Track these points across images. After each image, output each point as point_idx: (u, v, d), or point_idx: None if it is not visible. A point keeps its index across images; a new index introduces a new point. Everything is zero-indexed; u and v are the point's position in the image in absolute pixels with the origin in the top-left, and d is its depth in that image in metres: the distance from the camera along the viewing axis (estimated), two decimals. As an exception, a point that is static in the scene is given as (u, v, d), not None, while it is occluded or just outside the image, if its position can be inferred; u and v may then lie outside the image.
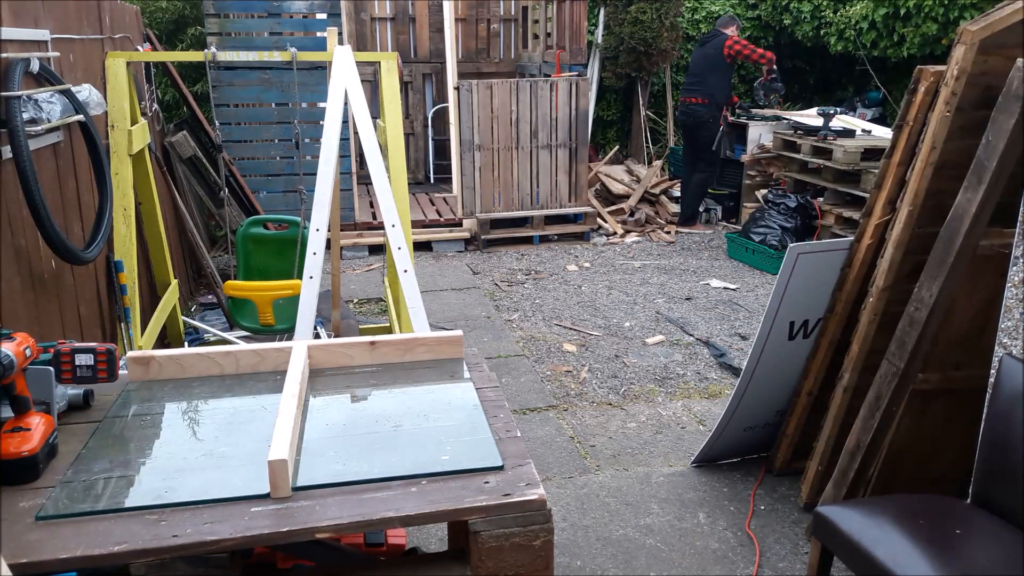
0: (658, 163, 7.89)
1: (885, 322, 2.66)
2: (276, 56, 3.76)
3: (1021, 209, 2.20)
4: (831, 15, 7.59)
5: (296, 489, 1.46)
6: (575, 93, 6.86)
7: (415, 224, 6.56)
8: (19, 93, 2.56)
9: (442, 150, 8.84)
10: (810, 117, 6.85)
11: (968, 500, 2.16)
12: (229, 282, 3.88)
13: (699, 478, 3.21)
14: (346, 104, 3.20)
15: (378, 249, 6.49)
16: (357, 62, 3.33)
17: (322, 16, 6.20)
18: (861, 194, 5.75)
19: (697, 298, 5.47)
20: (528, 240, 6.94)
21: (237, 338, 4.20)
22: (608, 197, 7.81)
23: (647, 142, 8.74)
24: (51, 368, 1.65)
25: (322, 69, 5.62)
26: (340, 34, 5.90)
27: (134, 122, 3.66)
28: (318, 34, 6.20)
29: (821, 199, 6.27)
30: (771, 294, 2.86)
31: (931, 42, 6.60)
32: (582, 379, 4.18)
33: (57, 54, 3.09)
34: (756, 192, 7.01)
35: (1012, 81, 2.23)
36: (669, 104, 8.83)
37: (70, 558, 1.29)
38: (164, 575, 1.67)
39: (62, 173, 3.12)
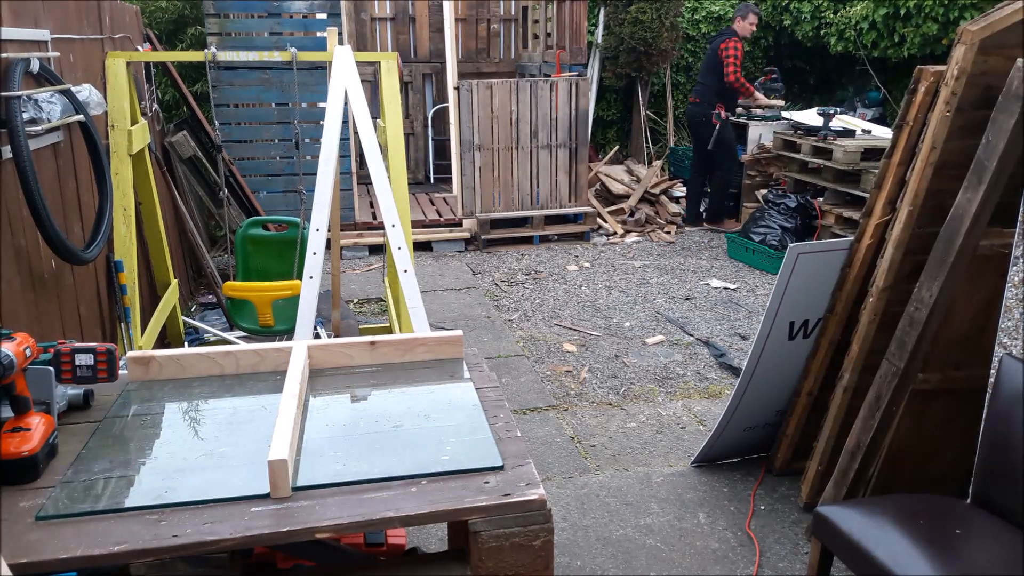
0: (658, 163, 7.90)
1: (885, 322, 2.66)
2: (276, 56, 3.76)
3: (1021, 209, 2.20)
4: (831, 15, 7.59)
5: (296, 489, 1.46)
6: (575, 93, 6.86)
7: (415, 224, 6.56)
8: (19, 93, 2.56)
9: (442, 150, 8.84)
10: (810, 117, 6.85)
11: (968, 500, 2.16)
12: (228, 283, 3.88)
13: (699, 478, 3.21)
14: (346, 104, 3.20)
15: (378, 249, 6.49)
16: (357, 62, 3.33)
17: (322, 16, 6.20)
18: (861, 194, 5.74)
19: (697, 298, 5.47)
20: (528, 240, 6.94)
21: (237, 338, 4.20)
22: (608, 197, 7.81)
23: (647, 142, 8.74)
24: (51, 368, 1.65)
25: (322, 69, 5.62)
26: (340, 34, 5.90)
27: (134, 122, 3.66)
28: (318, 34, 6.20)
29: (821, 199, 6.27)
30: (771, 294, 2.86)
31: (931, 42, 6.60)
32: (582, 379, 4.18)
33: (57, 54, 3.09)
34: (756, 192, 7.01)
35: (1012, 81, 2.23)
36: (669, 104, 8.83)
37: (70, 558, 1.29)
38: (164, 575, 1.67)
39: (62, 173, 3.12)
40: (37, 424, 1.53)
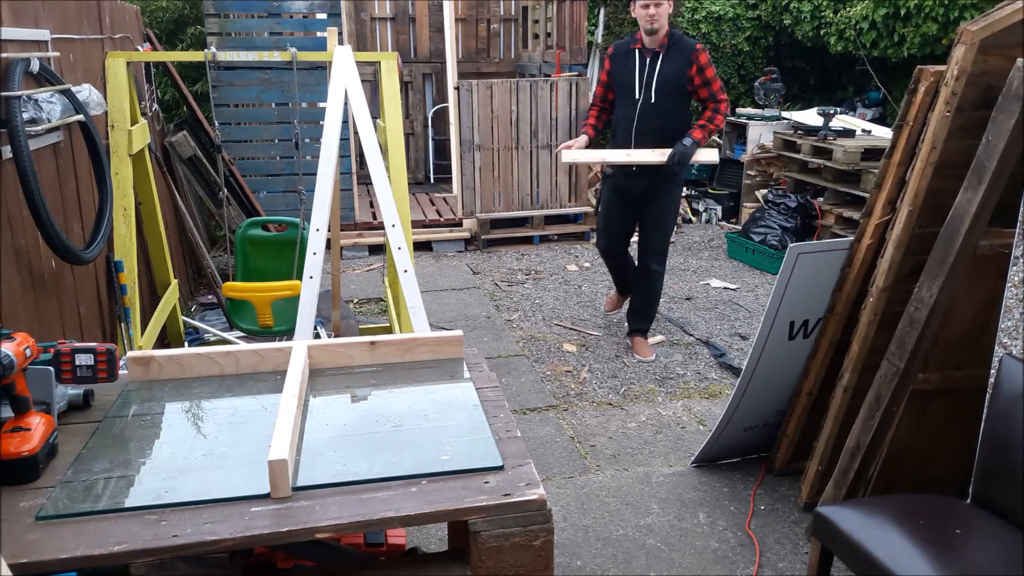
0: (658, 163, 7.88)
1: (885, 322, 2.66)
2: (276, 56, 3.76)
3: (1021, 209, 2.20)
4: (831, 15, 7.58)
5: (296, 489, 1.46)
6: (575, 93, 6.86)
7: (415, 224, 6.56)
8: (19, 93, 2.56)
9: (442, 150, 8.83)
10: (810, 117, 6.85)
11: (968, 500, 2.16)
12: (227, 283, 3.88)
13: (699, 478, 3.21)
14: (346, 104, 3.20)
15: (378, 249, 6.49)
16: (357, 62, 3.33)
17: (322, 16, 6.20)
18: (861, 194, 5.75)
19: (697, 298, 5.47)
20: (528, 240, 6.94)
21: (237, 338, 4.20)
22: (608, 197, 7.80)
23: (647, 142, 8.72)
24: (51, 368, 1.65)
25: (322, 69, 5.62)
26: (340, 34, 5.90)
27: (134, 122, 3.66)
28: (318, 34, 6.20)
29: (821, 199, 6.27)
30: (771, 294, 2.86)
31: (931, 42, 6.59)
32: (582, 379, 4.18)
33: (57, 54, 3.09)
34: (756, 192, 7.02)
35: (1012, 81, 2.23)
36: (669, 104, 8.80)
37: (70, 558, 1.29)
38: (164, 575, 1.67)
39: (62, 173, 3.11)
40: (37, 424, 1.53)
